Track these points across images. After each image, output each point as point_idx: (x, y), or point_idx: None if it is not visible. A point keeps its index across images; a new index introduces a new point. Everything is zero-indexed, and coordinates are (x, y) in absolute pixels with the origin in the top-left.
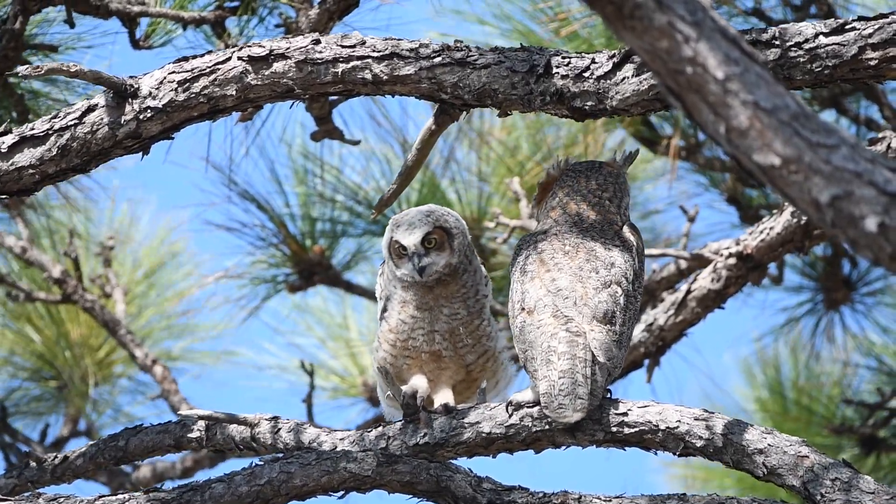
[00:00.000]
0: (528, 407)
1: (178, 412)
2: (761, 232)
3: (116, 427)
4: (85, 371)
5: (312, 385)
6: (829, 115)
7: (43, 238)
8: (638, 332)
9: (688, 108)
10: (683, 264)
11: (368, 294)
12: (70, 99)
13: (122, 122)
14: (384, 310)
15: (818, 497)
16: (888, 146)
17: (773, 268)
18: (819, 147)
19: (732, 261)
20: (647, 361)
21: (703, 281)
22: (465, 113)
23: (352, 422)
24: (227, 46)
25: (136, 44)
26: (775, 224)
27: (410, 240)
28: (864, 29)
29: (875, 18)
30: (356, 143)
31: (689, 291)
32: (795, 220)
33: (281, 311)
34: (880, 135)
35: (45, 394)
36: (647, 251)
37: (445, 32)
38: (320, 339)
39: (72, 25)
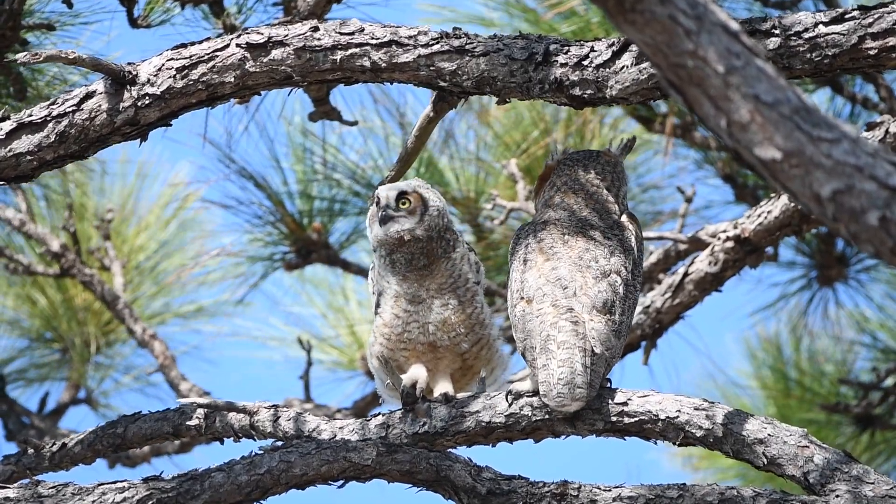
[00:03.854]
0: (527, 396)
1: (178, 400)
2: (759, 216)
3: (118, 392)
4: (87, 336)
5: (310, 361)
6: (824, 94)
7: (44, 209)
8: (635, 315)
9: (689, 102)
10: (681, 247)
11: (365, 272)
12: (68, 77)
13: (121, 108)
14: (377, 305)
15: (819, 487)
16: (886, 131)
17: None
18: (820, 141)
19: (730, 244)
20: (643, 344)
21: (701, 264)
22: (463, 100)
23: (350, 395)
24: (224, 25)
25: (133, 22)
26: (773, 208)
27: (385, 191)
28: (864, 18)
29: (874, 8)
30: (353, 123)
31: (686, 274)
32: (793, 203)
33: (281, 283)
34: (878, 119)
35: (47, 358)
36: (645, 234)
37: (442, 5)
38: (320, 312)
39: (69, 6)
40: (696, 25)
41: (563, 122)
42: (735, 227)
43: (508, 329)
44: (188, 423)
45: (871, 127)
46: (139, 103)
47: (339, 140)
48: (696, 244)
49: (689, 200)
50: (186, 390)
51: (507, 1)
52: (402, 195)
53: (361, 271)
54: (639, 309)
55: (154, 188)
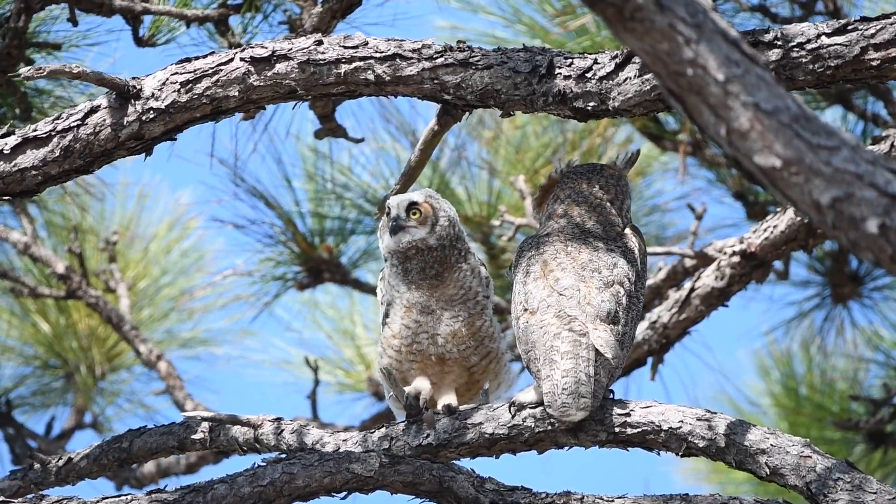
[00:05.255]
0: (530, 407)
1: (183, 413)
2: (765, 230)
3: (123, 417)
4: (92, 361)
5: (317, 381)
6: (835, 111)
7: (49, 233)
8: (642, 330)
9: (689, 110)
10: (688, 262)
11: (375, 291)
12: (74, 96)
13: (125, 123)
14: (386, 315)
15: (821, 497)
16: (892, 144)
17: (779, 263)
18: (820, 149)
19: (736, 259)
20: (650, 359)
21: (707, 279)
22: (467, 113)
23: (357, 416)
24: (230, 44)
25: (139, 41)
26: (779, 222)
27: (396, 200)
28: (867, 29)
29: (877, 19)
30: (360, 140)
31: (692, 289)
32: (799, 218)
33: (288, 306)
34: (884, 133)
35: (52, 384)
36: (652, 249)
37: (452, 22)
38: (326, 334)
39: (75, 24)
40: (695, 34)
41: (572, 140)
42: (741, 242)
43: (515, 347)
44: (193, 436)
45: (876, 141)
46: (144, 118)
47: (351, 159)
48: (703, 259)
49: (699, 217)
50: (192, 409)
51: (519, 19)
52: (412, 205)
53: (373, 290)
54: (645, 324)
55: (159, 210)
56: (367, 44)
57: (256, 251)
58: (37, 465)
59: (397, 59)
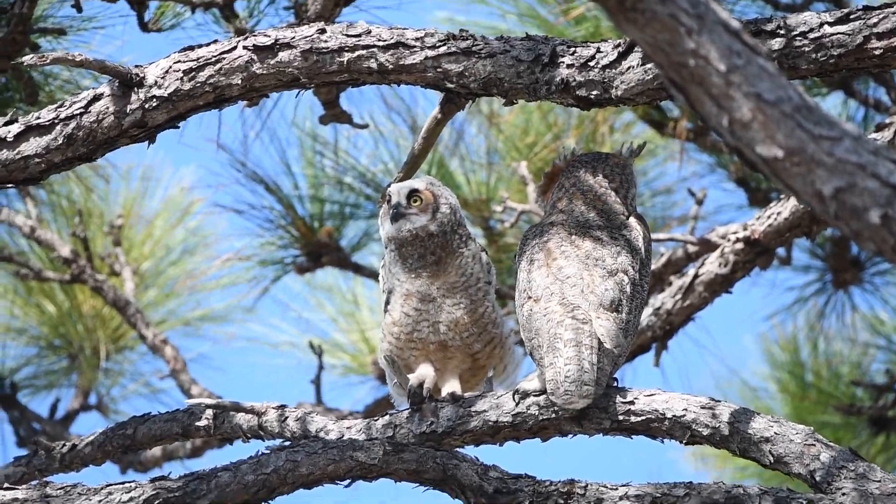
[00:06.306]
0: (534, 395)
1: (187, 401)
2: (769, 217)
3: (128, 397)
4: (97, 342)
5: (321, 366)
6: (837, 98)
7: (54, 215)
8: (645, 317)
9: (691, 101)
10: (691, 249)
11: (376, 275)
12: (80, 81)
13: (128, 111)
14: (387, 302)
15: (825, 485)
16: (895, 132)
17: (781, 248)
18: (822, 139)
19: (740, 246)
20: (654, 345)
21: (711, 266)
22: (470, 102)
23: (361, 400)
24: (236, 29)
25: (144, 27)
26: (783, 209)
27: (397, 188)
28: (869, 18)
29: (880, 8)
30: (364, 126)
31: (696, 276)
32: (803, 205)
33: (292, 288)
34: (887, 120)
35: (57, 365)
36: (655, 235)
37: (454, 14)
38: (331, 317)
39: (79, 10)
40: (697, 24)
41: (575, 126)
42: (745, 229)
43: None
44: (197, 423)
45: (879, 128)
46: (146, 105)
47: (350, 144)
48: (706, 246)
49: (699, 202)
50: (197, 394)
51: (520, 11)
52: (413, 193)
53: (373, 274)
54: (649, 310)
55: (162, 192)
56: (370, 32)
57: (256, 235)
58: (41, 452)
59: (400, 48)
